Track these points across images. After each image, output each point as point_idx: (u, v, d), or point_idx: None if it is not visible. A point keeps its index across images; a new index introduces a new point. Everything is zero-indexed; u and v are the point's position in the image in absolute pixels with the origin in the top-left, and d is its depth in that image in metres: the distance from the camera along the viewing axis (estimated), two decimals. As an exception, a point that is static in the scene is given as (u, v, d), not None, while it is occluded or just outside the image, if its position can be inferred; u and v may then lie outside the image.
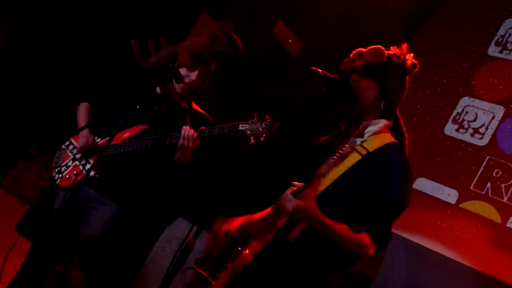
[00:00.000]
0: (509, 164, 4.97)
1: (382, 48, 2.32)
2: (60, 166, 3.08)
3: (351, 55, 2.37)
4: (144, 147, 2.90)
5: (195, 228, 1.92)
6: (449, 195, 5.07)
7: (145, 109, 2.94)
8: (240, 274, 2.15)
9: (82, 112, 3.19)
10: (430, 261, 4.73)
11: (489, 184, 4.98)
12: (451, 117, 5.45)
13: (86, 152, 2.96)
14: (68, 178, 3.00)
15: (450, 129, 5.41)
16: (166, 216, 4.07)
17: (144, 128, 2.99)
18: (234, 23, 3.14)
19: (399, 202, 2.12)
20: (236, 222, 2.33)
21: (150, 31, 3.51)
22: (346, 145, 2.11)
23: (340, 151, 2.09)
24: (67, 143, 3.15)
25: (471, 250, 4.74)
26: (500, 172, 4.97)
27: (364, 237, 2.06)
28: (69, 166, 3.05)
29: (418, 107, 5.67)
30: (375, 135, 2.18)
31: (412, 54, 2.39)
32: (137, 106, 2.84)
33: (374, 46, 2.33)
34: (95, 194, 2.98)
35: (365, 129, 2.22)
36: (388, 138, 2.22)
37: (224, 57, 3.09)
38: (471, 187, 5.04)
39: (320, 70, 2.19)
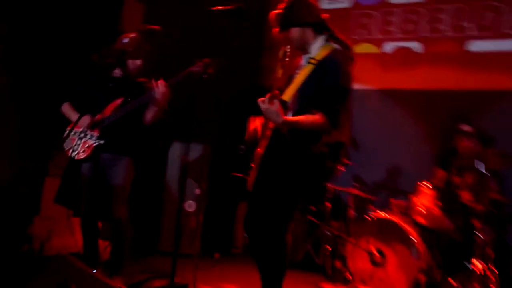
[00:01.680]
0: (370, 11, 5.75)
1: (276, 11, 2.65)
2: (72, 147, 3.31)
3: (272, 32, 2.70)
4: (130, 109, 3.26)
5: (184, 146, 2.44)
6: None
7: (114, 88, 3.31)
8: (258, 165, 2.64)
9: (69, 109, 3.45)
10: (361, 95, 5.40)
11: (363, 30, 5.79)
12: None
13: (91, 126, 3.31)
14: (84, 152, 3.25)
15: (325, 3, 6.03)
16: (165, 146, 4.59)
17: (122, 99, 3.32)
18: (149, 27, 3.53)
19: (340, 86, 2.50)
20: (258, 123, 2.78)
21: (86, 25, 3.74)
22: (304, 60, 2.64)
23: (302, 65, 2.62)
24: (69, 132, 3.32)
25: (370, 76, 5.63)
26: (366, 19, 5.78)
27: (317, 116, 2.43)
28: (79, 144, 3.29)
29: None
30: (320, 49, 2.58)
31: None
32: (110, 85, 3.29)
33: (273, 14, 2.66)
34: (109, 155, 3.29)
35: (311, 48, 2.62)
36: (327, 48, 2.58)
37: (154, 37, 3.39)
38: (353, 36, 5.82)
39: (219, 8, 2.53)
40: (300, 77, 2.55)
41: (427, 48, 5.41)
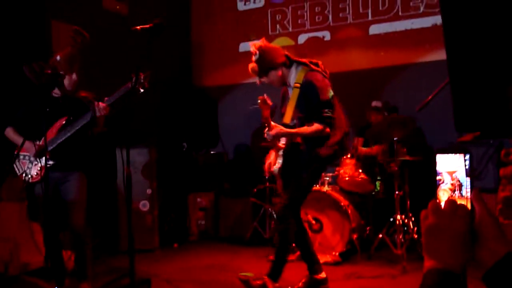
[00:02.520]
0: (282, 7, 5.96)
1: (250, 65, 3.13)
2: (25, 171, 3.30)
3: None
4: (77, 128, 3.21)
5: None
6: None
7: (55, 109, 3.26)
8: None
9: (13, 134, 3.39)
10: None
11: (278, 26, 5.99)
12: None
13: (38, 153, 3.28)
14: (37, 175, 3.26)
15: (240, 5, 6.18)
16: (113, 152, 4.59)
17: (65, 119, 3.29)
18: (72, 25, 3.46)
19: (321, 100, 3.04)
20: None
21: (22, 51, 3.63)
22: (289, 90, 3.18)
23: (289, 94, 3.19)
24: (17, 156, 3.32)
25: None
26: (280, 15, 5.98)
27: (315, 124, 3.02)
28: (30, 167, 3.28)
29: (216, 3, 6.31)
30: (296, 77, 3.11)
31: (255, 43, 3.14)
32: (47, 109, 3.23)
33: (249, 67, 3.14)
34: (60, 173, 3.27)
35: (289, 80, 3.17)
36: (301, 71, 3.11)
37: (84, 51, 3.37)
38: (270, 33, 6.01)
39: (139, 27, 2.60)
40: (291, 102, 3.09)
41: (335, 35, 5.72)
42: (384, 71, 5.38)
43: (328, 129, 3.05)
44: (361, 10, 5.57)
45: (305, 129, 3.05)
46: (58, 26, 4.08)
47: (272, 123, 3.05)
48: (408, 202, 4.24)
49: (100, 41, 4.37)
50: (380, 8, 5.47)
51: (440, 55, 4.92)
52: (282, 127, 3.06)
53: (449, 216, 0.86)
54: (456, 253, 0.83)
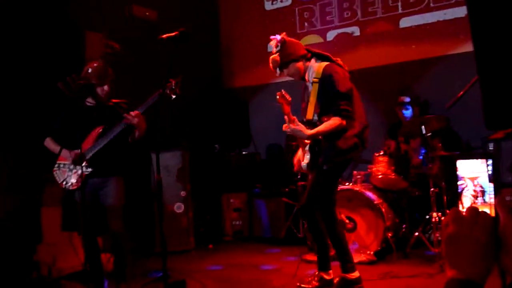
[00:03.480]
0: (310, 5, 5.91)
1: (272, 57, 3.11)
2: (65, 179, 3.38)
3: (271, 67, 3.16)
4: (113, 136, 3.28)
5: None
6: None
7: (90, 119, 3.40)
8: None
9: (52, 143, 3.50)
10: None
11: (306, 23, 5.95)
12: None
13: (76, 161, 3.42)
14: (76, 182, 3.33)
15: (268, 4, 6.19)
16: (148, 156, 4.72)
17: (101, 128, 3.37)
18: (105, 35, 3.57)
19: (339, 92, 3.01)
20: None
21: (55, 61, 3.79)
22: (309, 86, 3.16)
23: (309, 90, 3.15)
24: (57, 165, 3.42)
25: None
26: (308, 13, 5.94)
27: (334, 119, 2.99)
28: (70, 175, 3.36)
29: (243, 4, 6.33)
30: (315, 71, 3.08)
31: (276, 37, 3.13)
32: (83, 119, 3.34)
33: (270, 59, 3.12)
34: (99, 179, 3.35)
35: (308, 75, 3.13)
36: (320, 65, 3.09)
37: (115, 61, 3.47)
38: (298, 31, 5.97)
39: (164, 36, 2.73)
40: (312, 97, 3.08)
41: (364, 30, 5.62)
42: (415, 64, 5.24)
43: (344, 122, 3.02)
44: (390, 3, 5.44)
45: (324, 127, 3.02)
46: (91, 36, 4.21)
47: (293, 118, 3.03)
48: (445, 199, 4.11)
49: (131, 48, 4.48)
50: (411, 0, 5.32)
51: (475, 46, 4.74)
52: (303, 127, 3.03)
53: (470, 224, 0.83)
54: (477, 262, 0.81)
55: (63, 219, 3.84)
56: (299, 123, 3.02)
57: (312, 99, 3.07)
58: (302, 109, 3.29)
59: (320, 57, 3.17)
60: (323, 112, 3.05)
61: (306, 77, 3.16)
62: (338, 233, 3.26)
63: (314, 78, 3.06)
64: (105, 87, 3.43)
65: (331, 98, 3.01)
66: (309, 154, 3.18)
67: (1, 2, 3.93)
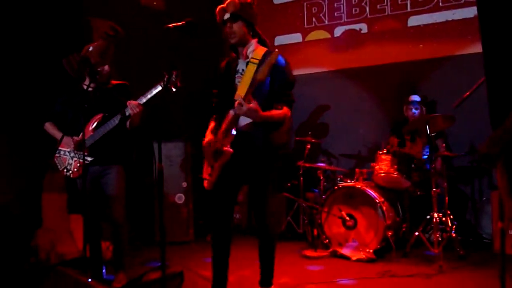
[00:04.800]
0: (318, 0, 5.87)
1: None
2: (66, 167, 3.38)
3: (217, 12, 2.77)
4: (112, 127, 3.25)
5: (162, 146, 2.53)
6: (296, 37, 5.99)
7: (90, 104, 3.36)
8: (226, 164, 2.69)
9: (52, 128, 3.48)
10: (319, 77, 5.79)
11: (314, 18, 5.92)
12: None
13: (78, 147, 3.42)
14: (77, 170, 3.33)
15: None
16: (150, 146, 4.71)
17: (101, 116, 3.33)
18: (106, 21, 3.53)
19: (291, 81, 2.77)
20: (211, 135, 2.82)
21: (60, 47, 3.78)
22: (243, 64, 2.77)
23: (242, 69, 2.75)
24: (58, 151, 3.41)
25: (324, 59, 5.82)
26: (316, 8, 5.90)
27: (285, 109, 2.72)
28: (71, 163, 3.35)
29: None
30: (255, 51, 2.75)
31: None
32: (86, 106, 3.32)
33: (228, 1, 2.71)
34: (100, 167, 3.35)
35: (247, 50, 2.77)
36: (261, 49, 2.77)
37: (117, 43, 3.45)
38: (305, 26, 5.96)
39: (171, 25, 2.50)
40: (247, 77, 2.65)
41: (372, 28, 5.58)
42: (423, 64, 5.20)
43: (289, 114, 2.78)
44: (399, 2, 5.40)
45: (278, 112, 2.70)
46: (97, 23, 4.19)
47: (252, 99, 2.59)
48: (447, 199, 4.10)
49: (139, 37, 4.47)
50: (420, -1, 5.28)
51: (483, 47, 4.71)
52: (259, 109, 2.60)
53: None
54: None
55: (68, 203, 3.86)
56: (255, 103, 2.58)
57: (247, 79, 2.65)
58: (218, 83, 2.92)
59: (262, 41, 2.87)
60: (273, 99, 2.72)
61: (245, 52, 2.80)
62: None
63: (253, 58, 2.71)
64: (105, 67, 3.40)
65: (283, 86, 2.74)
66: (218, 171, 2.74)
67: None
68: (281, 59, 2.74)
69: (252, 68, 2.67)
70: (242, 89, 2.62)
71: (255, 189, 2.80)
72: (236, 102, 2.57)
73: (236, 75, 2.81)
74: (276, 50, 2.54)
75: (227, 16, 2.74)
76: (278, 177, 2.84)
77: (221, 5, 2.75)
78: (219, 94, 2.93)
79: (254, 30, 2.82)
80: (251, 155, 2.72)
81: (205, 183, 2.83)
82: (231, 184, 2.81)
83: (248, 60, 2.75)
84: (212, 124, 2.92)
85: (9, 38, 3.97)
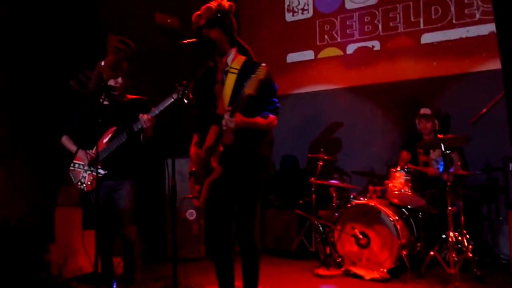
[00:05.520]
0: (330, 18, 5.91)
1: (209, 4, 2.62)
2: (79, 180, 3.43)
3: (193, 19, 2.64)
4: (123, 141, 3.31)
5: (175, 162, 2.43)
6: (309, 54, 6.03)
7: (105, 118, 3.41)
8: (215, 180, 2.59)
9: (68, 142, 3.54)
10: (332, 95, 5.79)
11: (326, 36, 5.95)
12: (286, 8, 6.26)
13: (91, 162, 3.47)
14: (90, 184, 3.36)
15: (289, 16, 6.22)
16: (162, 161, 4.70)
17: (114, 129, 3.38)
18: (118, 36, 3.59)
19: (274, 88, 2.64)
20: (198, 147, 2.74)
21: (77, 64, 3.85)
22: (222, 73, 2.64)
23: (222, 78, 2.63)
24: (72, 164, 3.47)
25: (337, 76, 5.83)
26: (328, 25, 5.94)
27: (271, 117, 2.59)
28: (85, 176, 3.40)
29: (264, 14, 6.41)
30: (234, 59, 2.64)
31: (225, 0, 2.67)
32: (99, 120, 3.36)
33: (204, 6, 2.61)
34: (113, 182, 3.37)
35: (226, 59, 2.65)
36: (241, 57, 2.66)
37: (129, 57, 3.49)
38: (318, 43, 5.99)
39: (186, 41, 2.49)
40: (227, 89, 2.58)
41: (385, 45, 5.58)
42: (436, 81, 5.17)
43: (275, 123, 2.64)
44: (412, 19, 5.41)
45: (263, 120, 2.56)
46: (110, 39, 4.27)
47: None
48: (462, 219, 4.02)
49: (153, 54, 4.53)
50: (433, 17, 5.28)
51: (498, 64, 4.66)
52: (243, 117, 2.47)
53: None
54: None
55: (83, 218, 3.87)
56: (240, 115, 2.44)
57: (227, 91, 2.57)
58: (197, 94, 2.74)
59: (242, 49, 2.75)
60: (257, 108, 2.58)
61: (224, 60, 2.68)
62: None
63: (232, 68, 2.61)
64: (119, 80, 3.42)
65: (267, 95, 2.61)
66: (208, 188, 2.63)
67: (34, 5, 4.01)
68: (263, 66, 2.49)
69: (232, 77, 2.58)
70: (226, 99, 2.55)
71: (240, 202, 2.67)
72: (224, 117, 2.42)
73: (216, 84, 2.69)
74: (263, 64, 2.38)
75: (198, 21, 2.63)
76: (262, 190, 2.69)
77: (197, 12, 2.66)
78: (199, 105, 2.79)
79: (233, 38, 2.70)
80: (237, 170, 2.62)
81: (195, 202, 2.71)
82: (224, 200, 2.70)
83: (227, 69, 2.64)
84: (195, 138, 2.83)
85: (26, 55, 4.05)
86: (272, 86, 2.63)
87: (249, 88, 2.34)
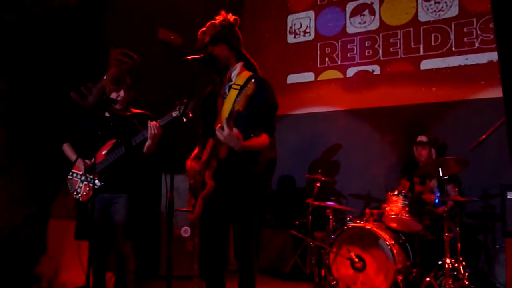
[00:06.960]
0: (332, 41, 5.99)
1: (213, 21, 2.59)
2: (76, 189, 3.40)
3: (198, 36, 2.62)
4: (121, 154, 3.29)
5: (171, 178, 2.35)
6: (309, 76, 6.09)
7: (106, 130, 3.41)
8: (209, 196, 2.50)
9: (69, 150, 3.51)
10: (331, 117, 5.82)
11: (327, 59, 6.02)
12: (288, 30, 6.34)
13: (88, 171, 3.40)
14: (86, 194, 3.34)
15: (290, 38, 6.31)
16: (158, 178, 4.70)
17: (113, 142, 3.36)
18: (121, 49, 3.61)
19: (271, 104, 2.51)
20: (196, 160, 2.66)
21: (79, 77, 3.87)
22: (226, 89, 2.59)
23: (225, 93, 2.58)
24: (70, 173, 3.45)
25: (337, 99, 5.87)
26: (329, 48, 6.01)
27: (264, 136, 2.45)
28: (81, 186, 3.37)
29: (266, 35, 6.48)
30: (239, 75, 2.58)
31: (230, 14, 2.63)
32: (99, 132, 3.36)
33: (209, 23, 2.58)
34: (109, 195, 3.33)
35: (231, 74, 2.60)
36: (246, 73, 2.59)
37: (132, 70, 3.51)
38: (318, 65, 6.05)
39: (190, 57, 2.43)
40: (227, 104, 2.50)
41: (385, 69, 5.65)
42: (435, 107, 5.21)
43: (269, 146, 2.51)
44: (412, 45, 5.48)
45: (256, 143, 2.44)
46: (113, 52, 4.31)
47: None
48: (459, 246, 4.00)
49: (156, 70, 4.55)
50: (433, 44, 5.36)
51: (495, 92, 4.73)
52: (241, 137, 2.34)
53: None
54: None
55: (77, 228, 3.82)
56: (237, 131, 2.31)
57: (227, 107, 2.47)
58: (202, 108, 2.73)
59: (249, 65, 2.70)
60: (250, 123, 2.49)
61: (228, 75, 2.64)
62: None
63: (235, 84, 2.54)
64: (121, 93, 3.41)
65: (261, 110, 2.49)
66: (201, 204, 2.54)
67: (37, 19, 4.05)
68: (262, 84, 2.51)
69: (233, 93, 2.49)
70: (224, 114, 2.42)
71: (235, 221, 2.59)
72: (217, 127, 2.32)
73: (219, 98, 2.65)
74: (253, 80, 2.30)
75: (205, 38, 2.59)
76: (258, 209, 2.59)
77: (202, 29, 2.62)
78: (203, 118, 2.75)
79: (239, 52, 2.67)
80: (230, 186, 2.53)
81: (189, 215, 2.63)
82: (217, 217, 2.60)
83: (230, 84, 2.58)
84: (195, 151, 2.76)
85: (27, 66, 4.07)
86: (266, 99, 2.51)
87: (237, 104, 2.28)
